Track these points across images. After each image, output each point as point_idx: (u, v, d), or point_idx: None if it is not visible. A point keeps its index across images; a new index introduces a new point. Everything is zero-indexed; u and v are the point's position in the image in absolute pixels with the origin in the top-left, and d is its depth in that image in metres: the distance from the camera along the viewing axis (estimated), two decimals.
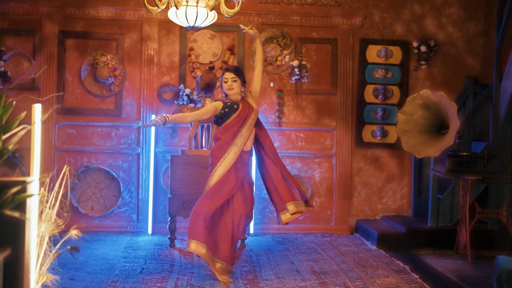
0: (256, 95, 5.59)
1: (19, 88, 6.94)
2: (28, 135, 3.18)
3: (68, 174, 3.71)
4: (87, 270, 5.45)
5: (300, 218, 7.50)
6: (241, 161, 5.40)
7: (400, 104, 7.61)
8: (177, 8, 5.18)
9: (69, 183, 3.70)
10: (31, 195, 3.07)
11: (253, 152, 5.61)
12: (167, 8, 5.56)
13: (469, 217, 6.21)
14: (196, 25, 5.35)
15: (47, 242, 3.56)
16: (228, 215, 5.32)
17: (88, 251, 6.18)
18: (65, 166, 3.79)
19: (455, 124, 5.92)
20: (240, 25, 5.78)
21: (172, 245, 6.59)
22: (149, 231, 7.27)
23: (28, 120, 3.11)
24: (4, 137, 2.99)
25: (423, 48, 7.57)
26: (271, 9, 7.52)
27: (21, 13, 7.26)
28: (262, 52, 5.66)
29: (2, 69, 7.01)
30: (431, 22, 7.72)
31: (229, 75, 5.44)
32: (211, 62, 7.12)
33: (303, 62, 7.48)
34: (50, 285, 3.44)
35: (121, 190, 7.37)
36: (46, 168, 6.73)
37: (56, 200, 3.58)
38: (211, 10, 5.30)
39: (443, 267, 5.90)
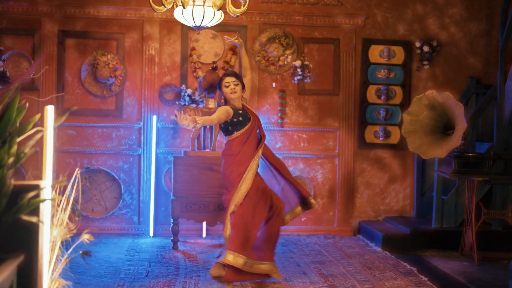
0: (248, 103, 5.59)
1: (18, 89, 6.82)
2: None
3: (79, 177, 3.63)
4: (91, 274, 5.36)
5: (302, 219, 7.45)
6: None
7: (402, 105, 7.58)
8: (184, 7, 5.10)
9: (80, 186, 3.62)
10: (45, 200, 2.99)
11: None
12: (171, 7, 5.48)
13: (475, 219, 6.17)
14: (202, 24, 5.27)
15: (59, 247, 3.48)
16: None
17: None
18: (77, 169, 3.71)
19: (462, 125, 5.88)
20: (225, 36, 5.89)
21: (175, 247, 6.51)
22: (151, 233, 7.18)
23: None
24: (18, 139, 2.91)
25: (425, 48, 7.54)
26: (273, 9, 7.46)
27: (20, 12, 7.15)
28: (248, 60, 5.69)
29: (1, 69, 6.90)
30: (433, 22, 7.69)
31: (230, 79, 5.38)
32: (214, 62, 7.04)
33: (306, 62, 7.42)
34: None
35: (122, 191, 7.28)
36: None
37: (67, 204, 3.50)
38: (218, 10, 5.23)
39: (450, 269, 5.85)
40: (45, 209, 3.15)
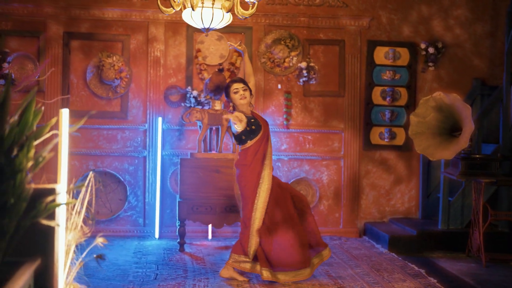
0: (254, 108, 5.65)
1: (24, 91, 6.81)
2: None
3: (94, 180, 3.62)
4: (99, 277, 5.34)
5: None
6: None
7: (408, 106, 7.58)
8: (193, 9, 5.09)
9: (94, 190, 3.61)
10: (62, 204, 2.98)
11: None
12: (180, 9, 5.47)
13: (482, 220, 6.17)
14: (211, 26, 5.26)
15: (73, 251, 3.47)
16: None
17: None
18: (90, 173, 3.70)
19: (469, 126, 5.88)
20: (228, 42, 5.91)
21: (181, 249, 6.50)
22: (156, 235, 7.17)
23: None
24: (35, 143, 2.89)
25: (431, 50, 7.54)
26: (278, 10, 7.45)
27: (25, 14, 7.13)
28: (251, 66, 5.68)
29: (7, 71, 6.88)
30: (438, 24, 7.69)
31: (238, 85, 5.38)
32: (220, 64, 7.03)
33: (311, 64, 7.41)
34: None
35: (127, 193, 7.27)
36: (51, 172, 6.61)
37: (82, 208, 3.49)
38: (227, 12, 5.22)
39: (458, 271, 5.84)
40: (61, 213, 3.14)
